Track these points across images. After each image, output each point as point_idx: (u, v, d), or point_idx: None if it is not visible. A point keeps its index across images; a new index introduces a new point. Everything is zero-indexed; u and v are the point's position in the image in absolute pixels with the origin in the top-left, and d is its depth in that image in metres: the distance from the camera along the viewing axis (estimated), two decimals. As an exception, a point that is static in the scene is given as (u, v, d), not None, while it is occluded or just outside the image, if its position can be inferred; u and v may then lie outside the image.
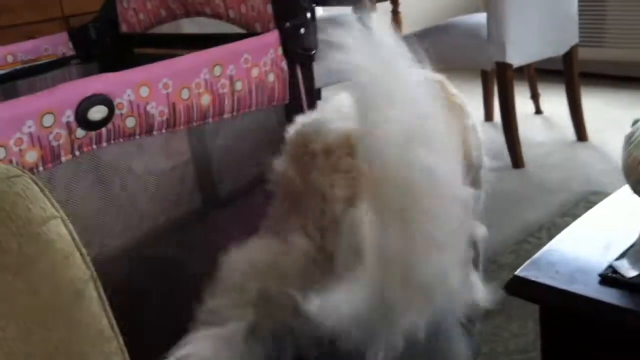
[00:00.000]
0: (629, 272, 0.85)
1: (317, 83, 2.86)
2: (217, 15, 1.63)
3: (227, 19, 1.62)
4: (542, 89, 3.36)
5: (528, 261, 0.90)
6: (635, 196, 0.96)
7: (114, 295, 0.76)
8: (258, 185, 1.39)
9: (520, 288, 0.88)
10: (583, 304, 0.83)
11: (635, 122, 1.04)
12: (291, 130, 1.12)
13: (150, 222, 1.29)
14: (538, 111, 3.34)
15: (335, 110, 1.12)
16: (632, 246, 0.92)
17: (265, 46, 1.37)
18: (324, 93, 4.05)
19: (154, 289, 1.26)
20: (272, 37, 1.38)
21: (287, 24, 1.40)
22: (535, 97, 3.33)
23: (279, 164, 1.09)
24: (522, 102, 3.28)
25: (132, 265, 1.26)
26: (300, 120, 1.14)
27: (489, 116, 3.26)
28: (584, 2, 3.57)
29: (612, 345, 0.86)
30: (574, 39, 2.87)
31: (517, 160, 2.66)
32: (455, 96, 1.28)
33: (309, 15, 1.42)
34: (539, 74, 3.34)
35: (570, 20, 2.84)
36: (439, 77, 1.28)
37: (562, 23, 2.81)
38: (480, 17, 2.79)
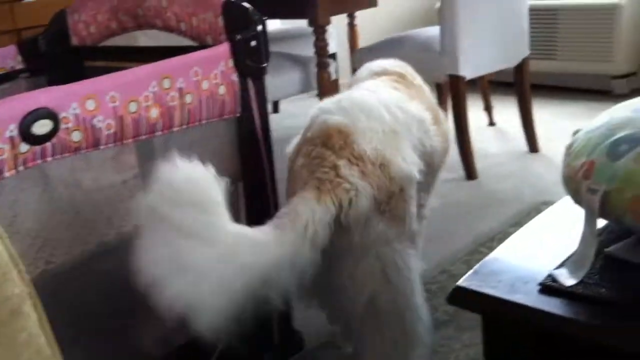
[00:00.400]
0: (568, 280, 0.87)
1: (276, 94, 2.87)
2: (168, 28, 1.62)
3: (179, 31, 1.61)
4: (495, 101, 3.41)
5: (470, 271, 0.91)
6: (576, 205, 0.99)
7: (61, 310, 0.75)
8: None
9: (463, 298, 0.89)
10: (523, 313, 0.84)
11: (575, 133, 1.06)
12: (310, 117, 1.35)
13: (99, 237, 1.27)
14: (491, 123, 3.40)
15: (337, 101, 1.34)
16: (571, 255, 0.94)
17: (215, 59, 1.36)
18: (283, 105, 4.06)
19: (102, 304, 1.25)
20: (223, 49, 1.38)
21: (238, 37, 1.40)
22: (488, 109, 3.38)
23: (291, 145, 1.33)
24: (476, 114, 3.33)
25: (80, 280, 1.24)
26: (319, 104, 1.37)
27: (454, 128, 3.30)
28: (536, 15, 3.65)
29: (553, 354, 0.88)
30: (525, 52, 2.92)
31: (470, 171, 2.70)
32: (416, 79, 1.57)
33: (260, 28, 1.43)
34: (492, 86, 3.40)
35: (521, 34, 2.89)
36: (402, 63, 1.63)
37: (513, 36, 2.86)
38: (434, 31, 2.83)
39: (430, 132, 1.41)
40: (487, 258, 0.95)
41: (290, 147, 1.33)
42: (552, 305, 0.83)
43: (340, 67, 3.33)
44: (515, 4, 2.85)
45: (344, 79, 3.34)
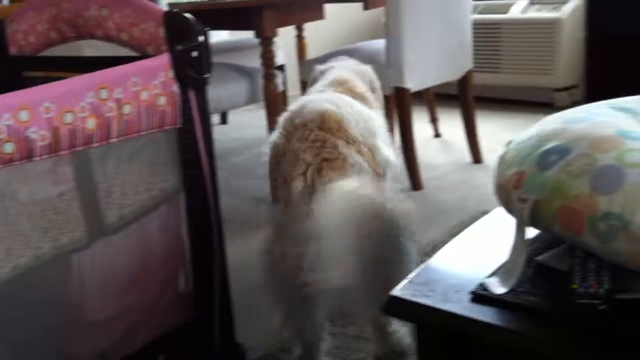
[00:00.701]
0: (499, 289, 0.89)
1: (222, 105, 2.86)
2: (108, 38, 1.60)
3: (120, 42, 1.59)
4: (441, 113, 3.46)
5: (404, 280, 0.92)
6: (508, 215, 1.01)
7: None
8: (151, 210, 1.38)
9: (397, 307, 0.90)
10: (456, 322, 0.85)
11: (508, 144, 1.09)
12: (288, 109, 1.46)
13: (34, 250, 1.25)
14: (437, 134, 3.45)
15: (319, 94, 1.49)
16: (503, 264, 0.96)
17: (155, 69, 1.35)
18: (232, 116, 4.04)
19: (37, 318, 1.22)
20: (163, 60, 1.37)
21: (179, 47, 1.39)
22: (434, 121, 3.43)
23: (273, 136, 1.43)
24: (423, 126, 3.38)
25: (14, 294, 1.21)
26: (298, 101, 1.48)
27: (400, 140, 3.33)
28: (480, 30, 3.72)
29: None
30: (469, 65, 2.98)
31: (415, 182, 2.73)
32: (357, 87, 1.67)
33: (201, 38, 1.42)
34: (439, 98, 3.45)
35: (464, 47, 2.95)
36: (366, 67, 1.80)
37: (457, 50, 2.91)
38: (381, 44, 2.86)
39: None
40: (421, 267, 0.96)
41: (272, 138, 1.42)
42: (483, 314, 0.85)
43: (289, 78, 3.35)
44: (459, 18, 2.90)
45: (292, 90, 3.35)
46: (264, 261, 1.36)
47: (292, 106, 1.47)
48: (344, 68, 1.76)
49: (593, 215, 0.84)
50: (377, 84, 1.81)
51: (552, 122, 1.06)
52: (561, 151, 0.94)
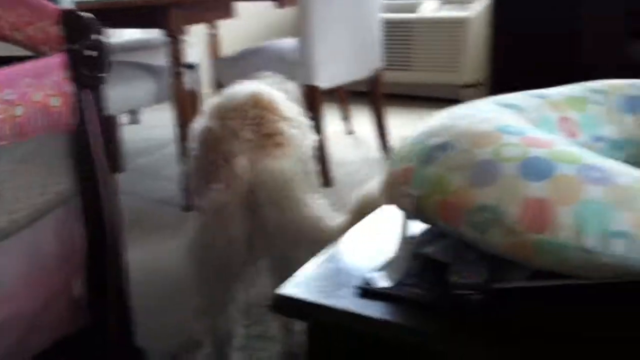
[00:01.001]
0: (384, 283, 0.91)
1: (130, 104, 2.81)
2: (2, 37, 1.55)
3: (14, 41, 1.55)
4: (354, 110, 3.51)
5: (290, 278, 0.93)
6: (397, 210, 1.03)
7: None
8: (45, 214, 1.35)
9: (283, 305, 0.90)
10: (343, 318, 0.86)
11: (404, 139, 1.11)
12: (210, 101, 1.51)
13: None
14: (349, 131, 3.49)
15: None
16: (390, 258, 0.98)
17: (48, 69, 1.32)
18: (144, 116, 3.97)
19: None
20: (57, 59, 1.34)
21: (74, 46, 1.36)
22: (346, 118, 3.47)
23: (199, 124, 1.48)
24: (336, 123, 3.41)
25: None
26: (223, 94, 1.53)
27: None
28: (392, 29, 3.79)
29: (378, 358, 0.91)
30: (379, 63, 3.03)
31: (326, 179, 2.76)
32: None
33: (98, 37, 1.39)
34: (352, 96, 3.49)
35: (374, 46, 3.00)
36: (292, 85, 1.82)
37: (367, 48, 2.96)
38: (292, 42, 2.88)
39: None
40: (308, 264, 0.98)
41: (201, 124, 1.47)
42: (369, 309, 0.86)
43: (203, 76, 3.32)
44: (369, 17, 2.95)
45: (206, 88, 3.32)
46: (196, 247, 1.36)
47: (219, 96, 1.53)
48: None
49: (470, 208, 0.88)
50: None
51: (440, 118, 1.10)
52: (443, 147, 0.97)
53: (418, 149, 1.02)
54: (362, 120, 3.51)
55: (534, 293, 0.88)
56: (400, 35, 3.95)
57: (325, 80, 2.76)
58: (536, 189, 0.85)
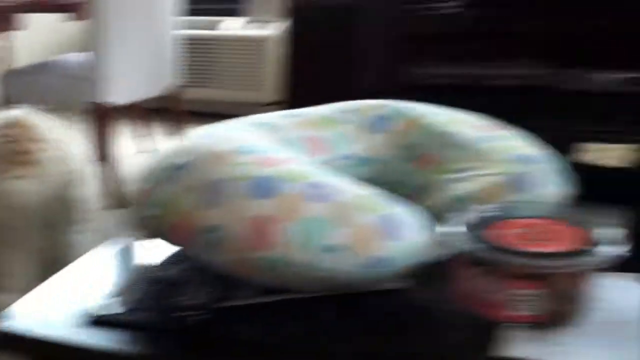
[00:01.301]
0: (117, 309, 0.88)
1: None
2: None
3: None
4: (155, 128, 3.43)
5: (10, 308, 0.87)
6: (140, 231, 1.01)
7: None
8: None
9: (5, 343, 0.83)
10: (69, 351, 0.82)
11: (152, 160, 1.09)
12: None
13: None
14: (146, 149, 3.40)
15: None
16: (125, 284, 0.95)
17: None
18: None
19: None
20: None
21: None
22: (141, 135, 3.39)
23: None
24: (133, 141, 3.32)
25: None
26: None
27: (99, 156, 3.23)
28: (193, 45, 3.76)
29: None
30: (175, 80, 2.99)
31: (119, 200, 2.66)
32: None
33: None
34: (153, 113, 3.41)
35: (169, 63, 2.96)
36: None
37: (161, 64, 2.91)
38: (81, 56, 2.77)
39: None
40: (26, 296, 0.91)
41: None
42: (94, 337, 0.82)
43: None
44: (163, 34, 2.90)
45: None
46: None
47: None
48: None
49: (199, 229, 0.87)
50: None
51: (189, 137, 1.09)
52: (184, 167, 0.96)
53: (160, 169, 1.00)
54: (160, 138, 3.44)
55: (261, 309, 0.89)
56: (202, 53, 3.93)
57: (116, 96, 2.67)
58: (261, 207, 0.86)
